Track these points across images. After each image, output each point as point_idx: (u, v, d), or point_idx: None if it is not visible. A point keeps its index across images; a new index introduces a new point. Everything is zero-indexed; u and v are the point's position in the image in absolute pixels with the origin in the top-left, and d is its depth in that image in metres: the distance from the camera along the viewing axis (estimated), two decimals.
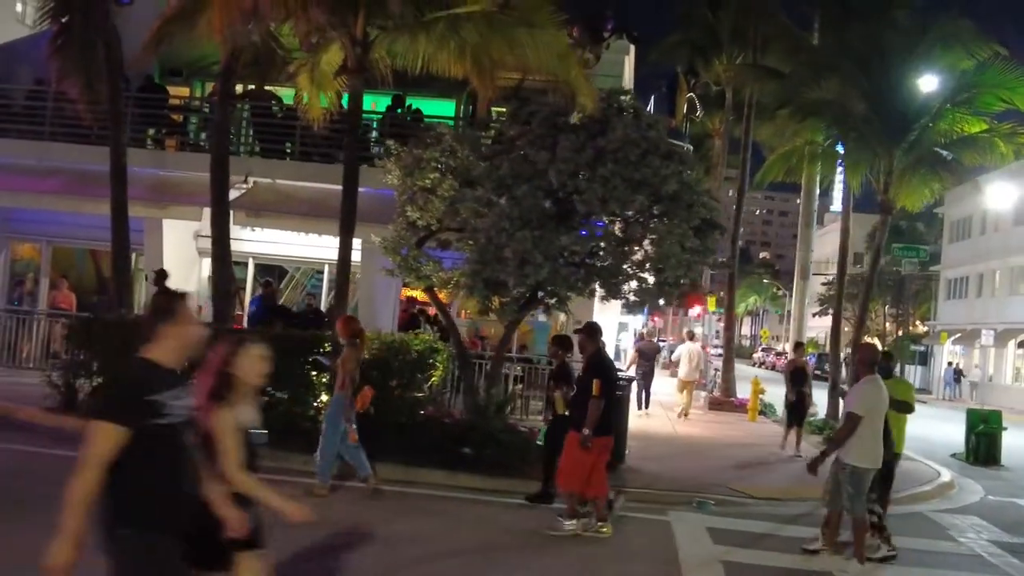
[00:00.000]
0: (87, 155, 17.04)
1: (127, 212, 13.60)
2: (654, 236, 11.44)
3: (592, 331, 9.34)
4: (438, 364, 12.32)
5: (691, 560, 8.29)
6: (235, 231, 17.54)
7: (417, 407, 11.52)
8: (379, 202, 16.61)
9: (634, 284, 11.82)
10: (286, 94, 17.03)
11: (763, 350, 75.03)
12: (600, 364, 9.08)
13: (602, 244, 11.51)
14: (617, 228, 11.75)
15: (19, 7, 24.25)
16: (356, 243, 17.18)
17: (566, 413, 9.47)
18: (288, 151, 17.65)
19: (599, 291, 12.24)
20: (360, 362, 9.73)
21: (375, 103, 17.20)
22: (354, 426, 9.55)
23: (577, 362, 10.18)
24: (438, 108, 18.87)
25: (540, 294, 11.80)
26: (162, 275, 15.08)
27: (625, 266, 11.63)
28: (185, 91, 19.59)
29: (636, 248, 11.73)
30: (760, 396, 21.18)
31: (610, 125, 10.85)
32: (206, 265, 18.44)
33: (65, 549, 3.70)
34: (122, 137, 13.91)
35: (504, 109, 15.98)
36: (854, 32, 18.37)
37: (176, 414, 3.86)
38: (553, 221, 11.17)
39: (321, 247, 17.68)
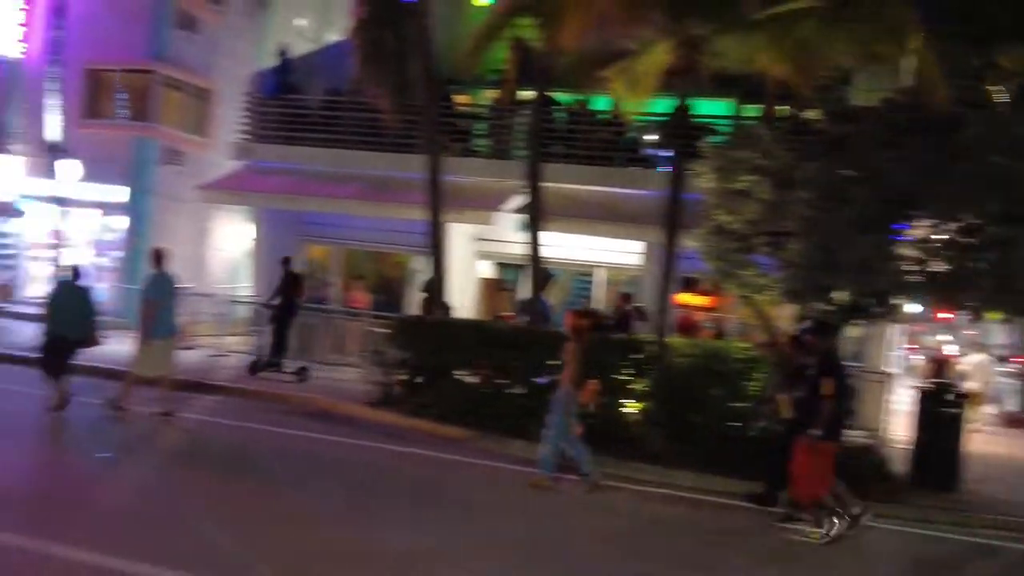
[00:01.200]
0: (382, 162, 17.93)
1: (440, 217, 14.01)
2: (1002, 242, 10.58)
3: (823, 330, 9.28)
4: (758, 373, 11.97)
5: None
6: (509, 233, 18.03)
7: (745, 416, 11.24)
8: (660, 204, 16.59)
9: (974, 293, 11.00)
10: (561, 98, 17.38)
11: None
12: (832, 364, 8.94)
13: (943, 250, 10.77)
14: (958, 233, 10.97)
15: (300, 22, 25.76)
16: (639, 246, 17.38)
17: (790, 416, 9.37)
18: (567, 156, 17.80)
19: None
20: (584, 356, 9.77)
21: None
22: (576, 420, 9.74)
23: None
24: (706, 108, 18.55)
25: (866, 302, 11.24)
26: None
27: (966, 274, 10.84)
28: (463, 98, 20.24)
29: (979, 255, 10.91)
30: None
31: (966, 121, 10.12)
32: (482, 268, 19.01)
33: None
34: (437, 146, 14.33)
35: (787, 108, 15.62)
36: None
37: None
38: (891, 226, 10.59)
39: (591, 249, 17.80)
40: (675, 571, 7.56)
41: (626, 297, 17.10)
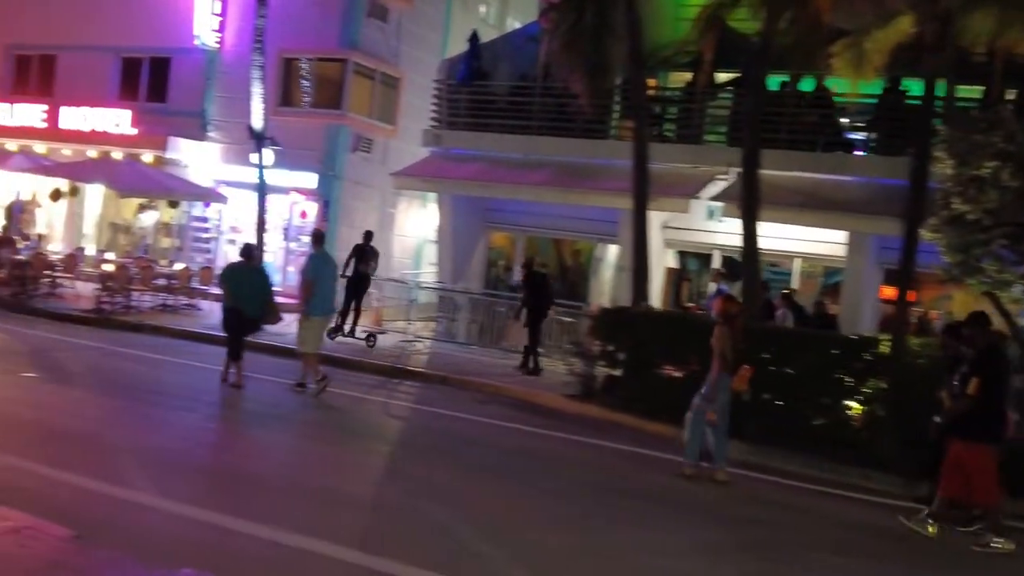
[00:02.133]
0: (572, 148, 17.59)
1: (646, 205, 13.51)
2: None
3: (983, 322, 8.52)
4: None
5: None
6: (698, 222, 17.38)
7: None
8: (865, 191, 15.59)
9: None
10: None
11: None
12: (989, 360, 8.22)
13: None
14: None
15: (482, 9, 25.71)
16: (840, 236, 16.37)
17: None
18: (769, 140, 16.93)
19: None
20: (735, 342, 9.45)
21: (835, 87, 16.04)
22: (714, 407, 9.45)
23: None
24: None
25: None
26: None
27: None
28: (651, 82, 19.66)
29: None
30: None
31: None
32: (670, 257, 18.38)
33: None
34: (644, 130, 13.84)
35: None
36: None
37: None
38: None
39: (787, 239, 16.88)
40: None
41: (764, 285, 16.14)
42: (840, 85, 15.66)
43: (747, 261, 12.58)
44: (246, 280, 12.08)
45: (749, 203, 12.46)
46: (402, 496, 7.65)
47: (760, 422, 10.69)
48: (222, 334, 12.48)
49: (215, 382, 11.90)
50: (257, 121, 17.15)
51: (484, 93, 18.86)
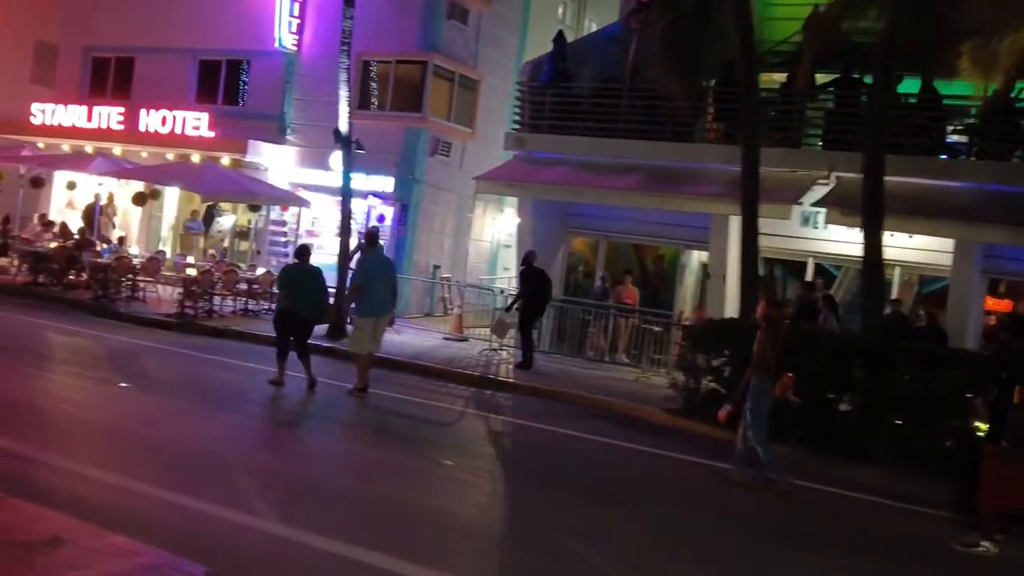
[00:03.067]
0: (661, 151, 17.05)
1: (756, 211, 12.96)
2: None
3: (1017, 326, 8.27)
4: None
5: None
6: (791, 228, 16.72)
7: None
8: (973, 197, 14.86)
9: None
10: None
11: None
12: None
13: None
14: None
15: (560, 10, 25.30)
16: (942, 243, 15.65)
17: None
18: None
19: None
20: (777, 347, 9.20)
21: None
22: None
23: None
24: None
25: None
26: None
27: None
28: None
29: None
30: None
31: None
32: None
33: None
34: (757, 133, 13.27)
35: None
36: None
37: None
38: None
39: (888, 246, 16.16)
40: None
41: (810, 285, 15.35)
42: (947, 88, 15.02)
43: (869, 271, 12.00)
44: (302, 281, 12.14)
45: (872, 210, 11.86)
46: (537, 529, 7.21)
47: (890, 445, 10.13)
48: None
49: (318, 393, 11.75)
50: (343, 124, 16.86)
51: (569, 95, 18.39)
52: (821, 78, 16.64)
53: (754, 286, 12.73)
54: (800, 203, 15.38)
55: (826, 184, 15.62)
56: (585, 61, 19.69)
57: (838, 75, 16.12)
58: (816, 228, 16.71)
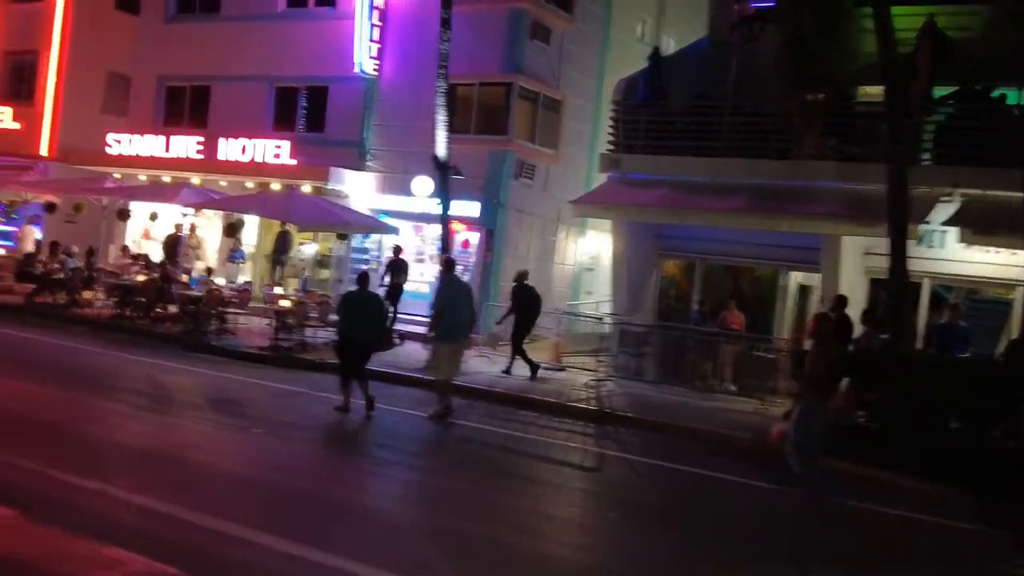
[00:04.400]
0: (767, 170, 16.43)
1: (906, 232, 12.31)
2: None
3: None
4: None
5: None
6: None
7: None
8: None
9: None
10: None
11: None
12: None
13: None
14: None
15: (639, 29, 24.82)
16: None
17: None
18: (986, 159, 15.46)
19: None
20: (829, 365, 9.04)
21: None
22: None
23: None
24: None
25: None
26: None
27: None
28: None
29: None
30: None
31: None
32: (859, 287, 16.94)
33: None
34: (902, 150, 12.63)
35: None
36: None
37: None
38: None
39: (1011, 266, 15.38)
40: None
41: (841, 299, 14.48)
42: None
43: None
44: (360, 307, 12.40)
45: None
46: None
47: None
48: (407, 372, 13.08)
49: (439, 432, 11.46)
50: (441, 149, 16.46)
51: (665, 114, 17.84)
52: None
53: (904, 313, 12.05)
54: (928, 222, 14.63)
55: (949, 201, 14.90)
56: (671, 79, 19.14)
57: (956, 87, 15.40)
58: (931, 247, 15.94)
